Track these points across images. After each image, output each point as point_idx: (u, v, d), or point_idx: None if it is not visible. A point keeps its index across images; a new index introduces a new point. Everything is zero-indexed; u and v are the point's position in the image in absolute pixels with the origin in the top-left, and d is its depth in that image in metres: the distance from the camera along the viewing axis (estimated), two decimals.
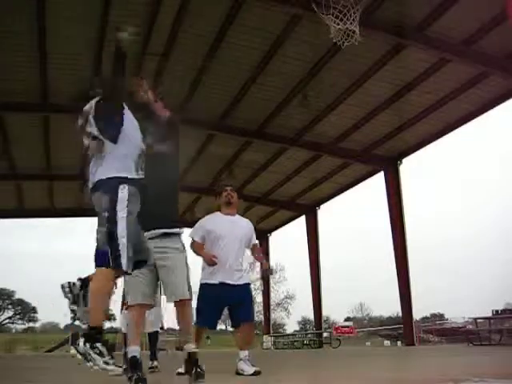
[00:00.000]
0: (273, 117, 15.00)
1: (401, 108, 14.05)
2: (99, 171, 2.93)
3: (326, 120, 14.97)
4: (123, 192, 2.81)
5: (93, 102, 3.12)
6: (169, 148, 3.61)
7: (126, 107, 3.11)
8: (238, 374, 4.67)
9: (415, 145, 16.14)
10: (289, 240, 47.24)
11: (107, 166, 2.94)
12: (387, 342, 32.99)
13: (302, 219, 22.42)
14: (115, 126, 2.98)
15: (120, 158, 2.95)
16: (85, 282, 3.17)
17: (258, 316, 45.54)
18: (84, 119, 3.15)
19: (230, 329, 57.44)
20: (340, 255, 70.61)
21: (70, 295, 3.35)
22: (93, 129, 3.07)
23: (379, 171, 17.53)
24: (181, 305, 3.48)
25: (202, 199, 21.92)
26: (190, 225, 5.79)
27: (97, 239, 2.87)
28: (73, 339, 31.50)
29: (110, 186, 2.85)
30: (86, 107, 3.17)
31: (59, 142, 16.73)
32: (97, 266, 2.80)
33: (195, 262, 4.60)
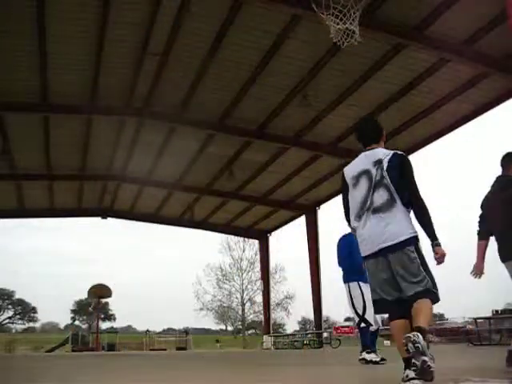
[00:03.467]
0: (273, 117, 14.99)
1: (401, 108, 14.04)
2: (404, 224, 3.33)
3: (325, 120, 14.95)
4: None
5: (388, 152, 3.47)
6: None
7: None
8: None
9: (415, 145, 16.12)
10: (289, 240, 47.22)
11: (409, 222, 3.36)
12: (387, 342, 32.91)
13: (302, 219, 22.42)
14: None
15: None
16: None
17: (258, 316, 45.62)
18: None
19: (229, 329, 57.47)
20: None
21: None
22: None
23: None
24: None
25: (202, 199, 21.95)
26: None
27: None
28: (73, 339, 31.48)
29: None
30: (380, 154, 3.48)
31: (59, 142, 16.75)
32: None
33: None
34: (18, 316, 65.58)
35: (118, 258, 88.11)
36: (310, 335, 25.71)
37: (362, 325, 6.72)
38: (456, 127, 14.80)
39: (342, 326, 30.53)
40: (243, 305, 47.67)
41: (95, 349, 27.90)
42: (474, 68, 12.09)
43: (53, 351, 32.00)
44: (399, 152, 3.47)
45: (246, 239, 40.27)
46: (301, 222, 22.59)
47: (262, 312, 29.93)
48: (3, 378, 5.32)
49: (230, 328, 57.53)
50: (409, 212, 3.35)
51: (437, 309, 51.29)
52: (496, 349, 11.36)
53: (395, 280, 3.28)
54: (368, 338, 6.66)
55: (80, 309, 65.48)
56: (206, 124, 15.63)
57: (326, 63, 12.23)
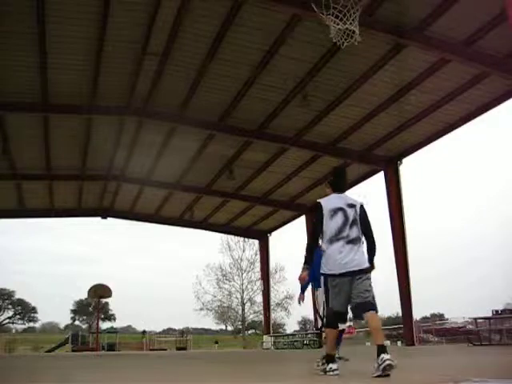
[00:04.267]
0: (273, 117, 14.99)
1: (401, 108, 14.03)
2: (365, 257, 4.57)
3: (325, 120, 14.95)
4: None
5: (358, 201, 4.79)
6: None
7: None
8: None
9: (415, 145, 16.12)
10: (289, 240, 47.14)
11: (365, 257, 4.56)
12: (387, 342, 32.91)
13: (302, 219, 22.41)
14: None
15: None
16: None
17: (258, 316, 45.61)
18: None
19: (229, 329, 57.49)
20: None
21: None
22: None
23: (379, 171, 17.52)
24: None
25: (202, 199, 21.94)
26: None
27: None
28: (73, 339, 31.50)
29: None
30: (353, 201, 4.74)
31: (59, 142, 16.75)
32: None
33: None
34: (18, 316, 65.55)
35: (119, 257, 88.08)
36: (310, 335, 25.67)
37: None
38: (456, 127, 14.79)
39: None
40: (243, 305, 47.64)
41: (95, 349, 27.89)
42: (474, 68, 12.08)
43: (53, 351, 32.00)
44: (363, 202, 4.82)
45: (246, 239, 40.26)
46: (301, 222, 22.61)
47: (262, 312, 29.91)
48: (3, 378, 5.32)
49: (229, 328, 57.49)
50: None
51: (437, 309, 51.07)
52: (496, 349, 11.35)
53: (350, 296, 4.44)
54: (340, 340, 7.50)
55: (80, 309, 65.48)
56: (206, 124, 15.63)
57: (325, 63, 12.23)
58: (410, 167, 20.62)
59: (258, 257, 29.43)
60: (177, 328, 51.86)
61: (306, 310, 48.28)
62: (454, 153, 78.35)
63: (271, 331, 27.14)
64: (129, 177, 20.37)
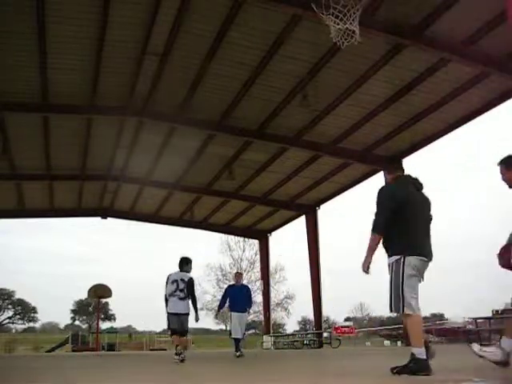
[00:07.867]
0: (273, 117, 14.99)
1: (401, 108, 14.04)
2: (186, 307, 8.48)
3: (325, 120, 14.95)
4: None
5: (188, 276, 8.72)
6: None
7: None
8: None
9: (415, 145, 16.13)
10: (289, 240, 47.21)
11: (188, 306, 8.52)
12: (387, 342, 32.93)
13: (302, 219, 22.42)
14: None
15: None
16: None
17: (258, 316, 45.59)
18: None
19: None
20: (340, 255, 70.57)
21: None
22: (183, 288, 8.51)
23: (379, 171, 17.52)
24: None
25: (202, 199, 21.95)
26: None
27: None
28: (73, 339, 31.52)
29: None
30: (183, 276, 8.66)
31: (59, 142, 16.75)
32: None
33: None
34: (18, 316, 65.58)
35: (118, 257, 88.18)
36: (310, 335, 25.68)
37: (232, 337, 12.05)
38: (456, 127, 14.80)
39: (342, 326, 30.43)
40: None
41: (95, 349, 27.88)
42: (474, 68, 12.09)
43: (53, 351, 32.01)
44: (192, 277, 8.74)
45: (246, 239, 40.28)
46: (301, 222, 22.61)
47: (262, 312, 29.91)
48: (3, 378, 5.32)
49: (229, 328, 57.58)
50: (189, 301, 8.47)
51: (437, 309, 51.03)
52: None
53: (181, 323, 8.35)
54: (238, 345, 11.75)
55: (80, 309, 65.49)
56: (206, 124, 15.63)
57: (325, 63, 12.23)
58: (409, 167, 20.53)
59: (258, 257, 29.43)
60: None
61: (306, 310, 48.23)
62: (453, 153, 78.32)
63: (271, 331, 27.14)
64: (129, 177, 20.37)
